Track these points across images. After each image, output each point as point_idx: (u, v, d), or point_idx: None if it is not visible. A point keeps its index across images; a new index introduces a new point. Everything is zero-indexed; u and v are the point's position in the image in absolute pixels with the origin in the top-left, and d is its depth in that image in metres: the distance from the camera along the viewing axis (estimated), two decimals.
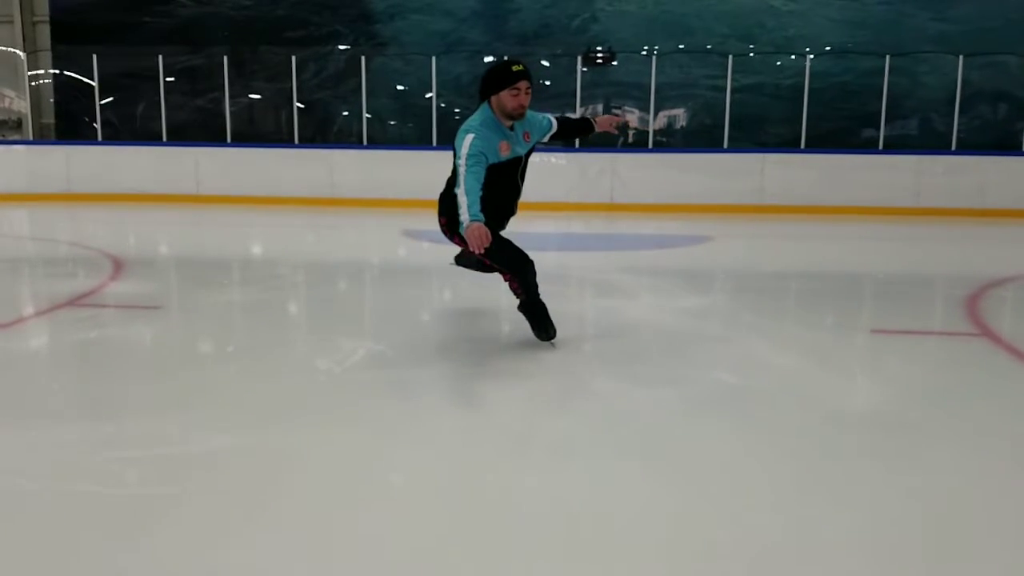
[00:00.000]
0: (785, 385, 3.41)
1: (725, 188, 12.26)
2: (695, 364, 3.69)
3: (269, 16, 14.96)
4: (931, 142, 13.03)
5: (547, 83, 14.44)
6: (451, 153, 3.62)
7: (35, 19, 15.75)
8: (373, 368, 3.63)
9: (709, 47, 13.87)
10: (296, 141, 13.52)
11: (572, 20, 14.26)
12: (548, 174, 12.76)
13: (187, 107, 14.90)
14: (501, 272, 3.86)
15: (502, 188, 3.72)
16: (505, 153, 3.66)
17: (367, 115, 13.38)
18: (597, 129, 4.32)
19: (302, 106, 14.12)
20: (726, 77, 12.72)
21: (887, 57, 12.35)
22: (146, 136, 14.20)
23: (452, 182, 3.68)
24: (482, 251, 3.32)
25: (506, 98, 3.59)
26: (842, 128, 13.72)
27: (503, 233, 3.94)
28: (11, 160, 13.65)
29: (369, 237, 9.59)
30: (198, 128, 14.34)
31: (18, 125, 15.37)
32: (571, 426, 2.88)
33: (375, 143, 13.67)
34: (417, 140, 14.21)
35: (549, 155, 13.44)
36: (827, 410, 3.06)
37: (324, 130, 15.08)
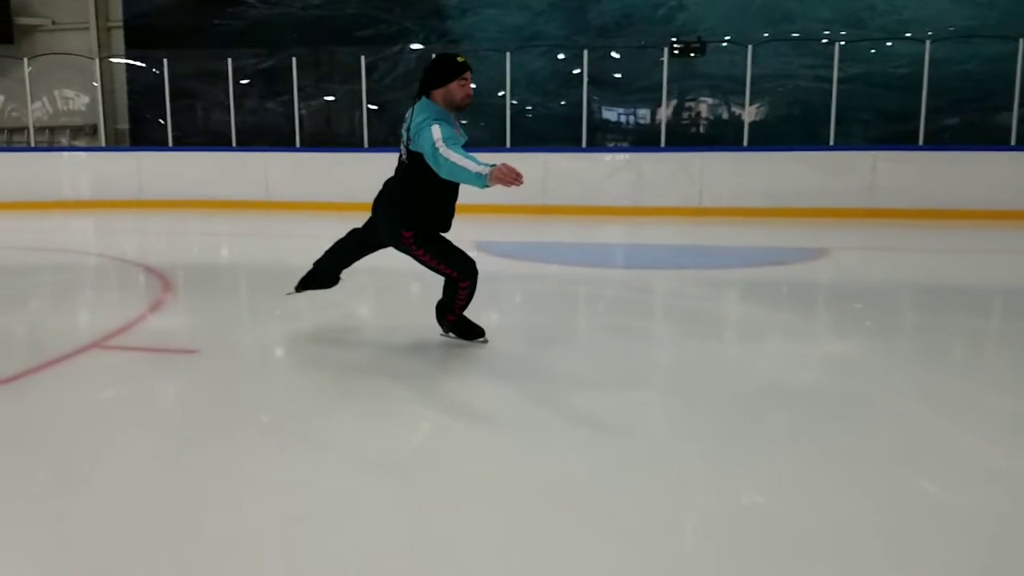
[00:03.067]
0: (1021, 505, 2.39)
1: (832, 189, 11.08)
2: (872, 457, 2.73)
3: (339, 15, 14.44)
4: None
5: (618, 76, 13.47)
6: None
7: (109, 25, 15.66)
8: (443, 463, 2.80)
9: (796, 34, 12.63)
10: (366, 144, 12.92)
11: (657, 9, 13.22)
12: (626, 172, 11.81)
13: (258, 111, 14.54)
14: (453, 277, 3.90)
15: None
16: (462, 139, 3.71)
17: None
18: None
19: (375, 107, 13.53)
20: (831, 67, 11.51)
21: (1020, 41, 10.91)
22: (216, 140, 13.86)
23: (398, 184, 3.82)
24: (522, 181, 3.28)
25: (455, 89, 3.70)
26: (965, 121, 12.28)
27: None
28: (84, 166, 13.50)
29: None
30: (269, 132, 13.94)
31: (93, 131, 15.28)
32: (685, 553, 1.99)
33: None
34: (489, 141, 13.44)
35: (626, 153, 12.44)
36: None
37: (397, 132, 14.43)
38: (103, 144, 14.63)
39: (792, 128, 12.73)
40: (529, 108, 13.77)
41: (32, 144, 14.29)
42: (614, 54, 13.45)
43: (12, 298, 5.80)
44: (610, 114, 13.92)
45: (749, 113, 12.02)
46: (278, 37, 14.59)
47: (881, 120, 12.51)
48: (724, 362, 3.99)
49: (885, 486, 2.49)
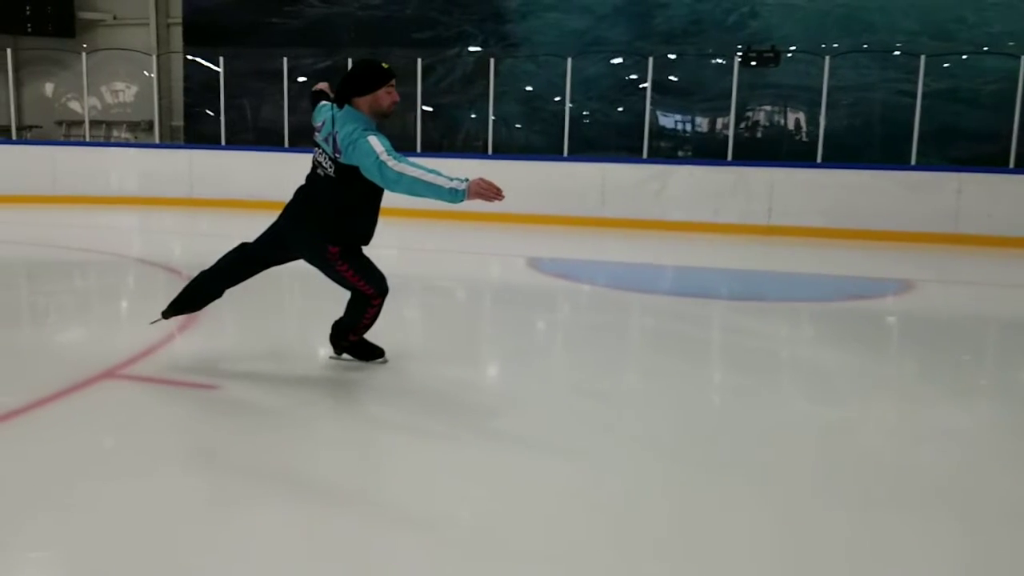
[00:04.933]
0: None
1: (912, 212, 10.31)
2: None
3: (397, 16, 14.14)
4: None
5: (682, 83, 12.85)
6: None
7: (169, 21, 15.64)
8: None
9: (866, 45, 11.86)
10: (419, 149, 12.55)
11: (728, 16, 12.58)
12: (681, 187, 11.18)
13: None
14: (368, 294, 3.69)
15: (375, 191, 3.55)
16: None
17: (492, 117, 12.26)
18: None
19: (429, 109, 13.19)
20: (913, 81, 10.75)
21: None
22: (269, 140, 13.67)
23: (323, 197, 3.56)
24: (503, 196, 3.19)
25: (383, 96, 3.55)
26: None
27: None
28: (138, 162, 13.40)
29: (489, 269, 8.39)
30: None
31: (149, 127, 15.25)
32: None
33: (500, 151, 12.52)
34: (546, 148, 12.97)
35: (682, 167, 11.79)
36: None
37: (451, 135, 14.12)
38: (157, 140, 14.55)
39: (870, 144, 11.98)
40: (586, 114, 13.28)
41: (88, 139, 14.28)
42: (675, 58, 12.86)
43: (38, 308, 5.54)
44: (673, 124, 13.33)
45: (824, 127, 11.29)
46: (336, 37, 14.36)
47: (967, 139, 11.67)
48: (795, 429, 3.40)
49: None
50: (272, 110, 13.92)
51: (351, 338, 3.91)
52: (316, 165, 3.65)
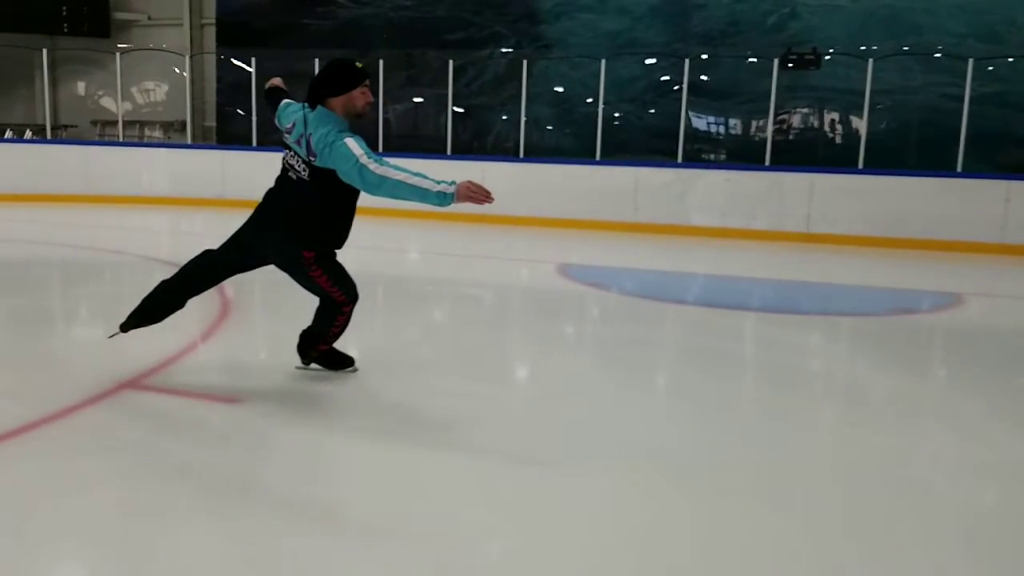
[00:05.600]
0: None
1: (958, 220, 9.96)
2: None
3: (429, 17, 14.06)
4: None
5: (719, 85, 12.57)
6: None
7: (203, 22, 15.71)
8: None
9: (907, 47, 11.51)
10: (449, 151, 12.44)
11: (767, 17, 12.30)
12: (716, 192, 10.92)
13: None
14: (339, 301, 3.61)
15: (351, 194, 3.45)
16: None
17: (523, 119, 12.09)
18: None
19: (461, 110, 13.07)
20: (959, 84, 10.38)
21: None
22: None
23: (298, 201, 3.45)
24: (493, 199, 3.13)
25: (357, 97, 3.46)
26: None
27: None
28: (170, 162, 13.45)
29: (518, 275, 8.22)
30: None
31: (182, 127, 15.33)
32: None
33: (531, 153, 12.36)
34: (578, 151, 12.79)
35: (718, 171, 11.52)
36: None
37: (482, 137, 14.00)
38: (190, 141, 14.61)
39: (914, 150, 11.62)
40: (618, 115, 13.06)
41: (122, 139, 14.38)
42: (711, 60, 12.59)
43: (66, 312, 5.47)
44: (708, 127, 13.06)
45: (866, 131, 10.95)
46: (367, 38, 14.31)
47: (1016, 145, 11.27)
48: (830, 453, 3.19)
49: None
50: None
51: (320, 347, 3.81)
52: (287, 168, 3.52)
